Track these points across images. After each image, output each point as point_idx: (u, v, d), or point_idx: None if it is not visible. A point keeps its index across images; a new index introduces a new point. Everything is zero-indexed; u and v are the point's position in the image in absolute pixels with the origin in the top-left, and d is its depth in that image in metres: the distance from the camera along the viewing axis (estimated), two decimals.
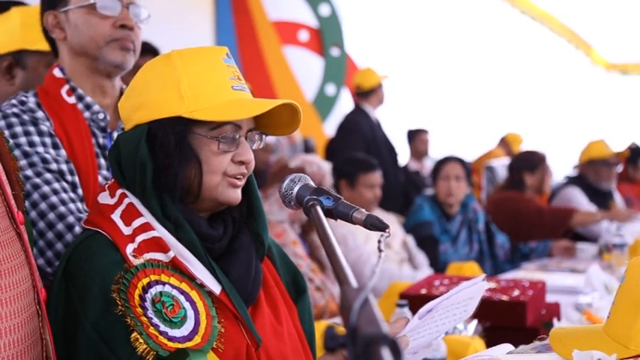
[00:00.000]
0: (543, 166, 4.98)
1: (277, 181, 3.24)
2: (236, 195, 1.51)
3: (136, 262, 1.40)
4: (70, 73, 1.91)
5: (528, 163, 4.96)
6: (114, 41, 1.86)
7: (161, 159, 1.46)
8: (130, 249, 1.42)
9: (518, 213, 4.79)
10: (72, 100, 1.89)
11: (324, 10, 9.41)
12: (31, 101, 1.87)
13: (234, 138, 1.48)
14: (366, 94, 5.69)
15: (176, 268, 1.43)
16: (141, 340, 1.33)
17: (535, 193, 5.00)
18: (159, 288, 1.39)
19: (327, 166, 3.44)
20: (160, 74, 1.50)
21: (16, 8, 2.21)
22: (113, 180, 1.54)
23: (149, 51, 3.17)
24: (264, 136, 1.56)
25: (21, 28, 2.16)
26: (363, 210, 1.40)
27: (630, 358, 1.44)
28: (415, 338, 1.39)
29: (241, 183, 1.52)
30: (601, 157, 5.27)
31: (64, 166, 1.80)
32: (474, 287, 1.44)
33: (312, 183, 1.47)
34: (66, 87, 1.89)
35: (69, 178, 1.81)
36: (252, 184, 1.58)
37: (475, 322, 2.22)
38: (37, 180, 1.76)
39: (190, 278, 1.44)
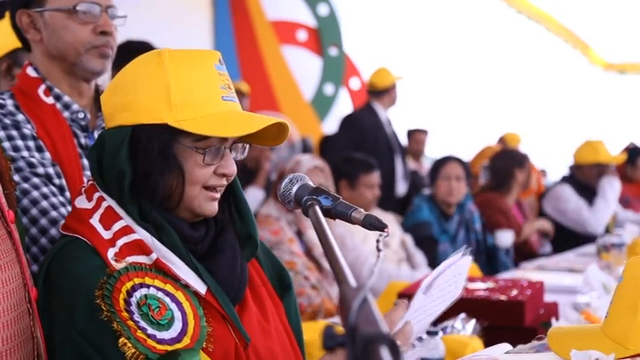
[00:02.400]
0: (528, 162, 5.11)
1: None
2: (213, 208, 1.49)
3: (118, 266, 1.37)
4: (45, 73, 1.83)
5: (517, 160, 5.03)
6: (94, 48, 1.81)
7: (142, 165, 1.43)
8: (111, 253, 1.39)
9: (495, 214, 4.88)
10: (50, 100, 1.81)
11: (323, 9, 9.40)
12: (9, 103, 1.78)
13: (219, 150, 1.46)
14: (378, 93, 5.67)
15: (159, 269, 1.41)
16: (129, 345, 1.30)
17: (522, 189, 5.10)
18: (143, 291, 1.36)
19: (312, 162, 3.34)
20: (150, 75, 1.46)
21: (7, 12, 2.21)
22: (90, 183, 1.50)
23: (148, 51, 3.15)
24: (247, 147, 1.53)
25: (10, 28, 2.16)
26: (362, 210, 1.39)
27: (628, 357, 1.44)
28: (418, 320, 1.40)
29: (218, 195, 1.50)
30: (596, 162, 5.27)
31: (50, 170, 1.74)
32: (459, 262, 1.45)
33: (310, 183, 1.46)
34: (42, 86, 1.81)
35: (56, 181, 1.75)
36: (236, 186, 1.56)
37: (473, 321, 2.22)
38: (26, 185, 1.70)
39: (175, 279, 1.41)
